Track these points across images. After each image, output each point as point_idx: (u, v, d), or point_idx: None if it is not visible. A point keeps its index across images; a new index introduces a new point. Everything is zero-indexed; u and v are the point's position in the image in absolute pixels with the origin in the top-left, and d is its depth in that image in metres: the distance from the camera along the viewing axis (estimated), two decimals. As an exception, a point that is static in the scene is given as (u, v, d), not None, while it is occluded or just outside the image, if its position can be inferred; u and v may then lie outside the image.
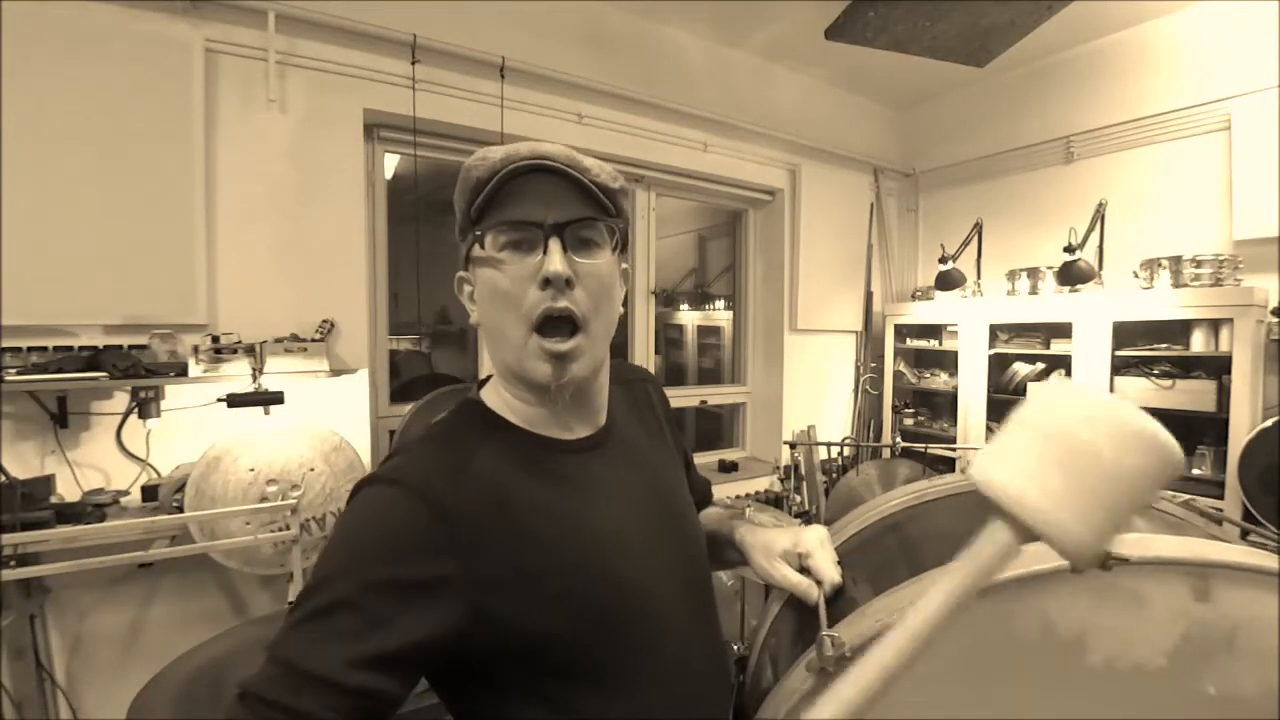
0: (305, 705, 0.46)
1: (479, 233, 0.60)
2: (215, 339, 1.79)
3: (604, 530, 0.61)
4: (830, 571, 0.64)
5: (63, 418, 1.67)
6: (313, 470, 1.81)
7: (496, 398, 0.66)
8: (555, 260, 0.57)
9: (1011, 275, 3.04)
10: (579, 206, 0.60)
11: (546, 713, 0.56)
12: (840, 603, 0.61)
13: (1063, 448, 0.38)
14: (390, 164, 2.38)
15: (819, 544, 0.68)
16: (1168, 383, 2.43)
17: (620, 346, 3.17)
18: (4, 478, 1.55)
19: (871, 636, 0.49)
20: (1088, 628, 0.47)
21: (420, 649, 0.51)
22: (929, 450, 2.71)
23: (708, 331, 4.03)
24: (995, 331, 3.05)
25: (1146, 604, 0.46)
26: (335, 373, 1.98)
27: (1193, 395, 2.38)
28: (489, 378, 0.70)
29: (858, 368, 3.65)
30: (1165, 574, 0.46)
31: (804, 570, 0.67)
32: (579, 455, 0.65)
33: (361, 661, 0.47)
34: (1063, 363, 2.78)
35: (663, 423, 0.81)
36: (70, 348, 1.64)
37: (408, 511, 0.53)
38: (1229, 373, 2.26)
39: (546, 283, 0.57)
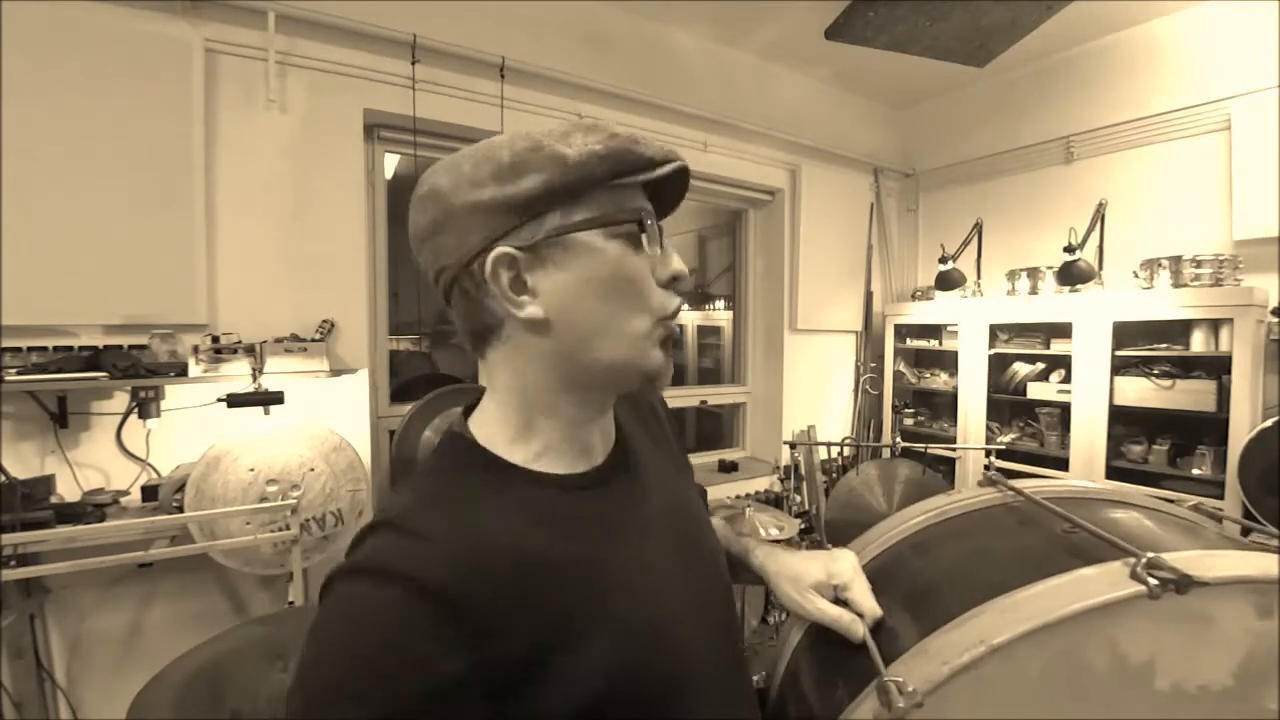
0: None
1: (580, 217, 0.51)
2: (215, 339, 1.79)
3: (634, 574, 0.54)
4: (871, 604, 0.60)
5: (63, 418, 1.67)
6: (313, 470, 1.81)
7: (498, 430, 0.56)
8: (678, 258, 0.54)
9: (1011, 275, 3.04)
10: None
11: None
12: (880, 635, 0.57)
13: None
14: (390, 164, 2.38)
15: (854, 573, 0.63)
16: (1168, 383, 2.43)
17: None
18: (4, 478, 1.55)
19: (940, 681, 0.46)
20: (1156, 652, 0.46)
21: None
22: (929, 450, 2.71)
23: (708, 331, 4.03)
24: (995, 331, 3.05)
25: (1215, 624, 0.46)
26: (335, 373, 1.98)
27: (1193, 395, 2.38)
28: (474, 404, 0.59)
29: (858, 368, 3.65)
30: (1232, 593, 0.46)
31: (840, 602, 0.62)
32: (595, 491, 0.57)
33: None
34: (1063, 363, 2.78)
35: (667, 431, 0.75)
36: (70, 348, 1.64)
37: (404, 613, 0.43)
38: (1229, 373, 2.26)
39: (672, 280, 0.55)
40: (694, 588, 0.59)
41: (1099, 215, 2.79)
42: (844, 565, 0.64)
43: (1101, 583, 0.47)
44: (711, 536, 0.70)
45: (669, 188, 0.56)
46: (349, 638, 0.43)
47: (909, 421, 3.52)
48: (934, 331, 3.42)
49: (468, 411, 0.60)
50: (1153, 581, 0.45)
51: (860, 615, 0.60)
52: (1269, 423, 2.13)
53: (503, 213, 0.50)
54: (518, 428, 0.55)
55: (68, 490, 1.68)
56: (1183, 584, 0.44)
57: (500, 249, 0.50)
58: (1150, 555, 0.46)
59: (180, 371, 1.71)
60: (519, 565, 0.48)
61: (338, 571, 0.47)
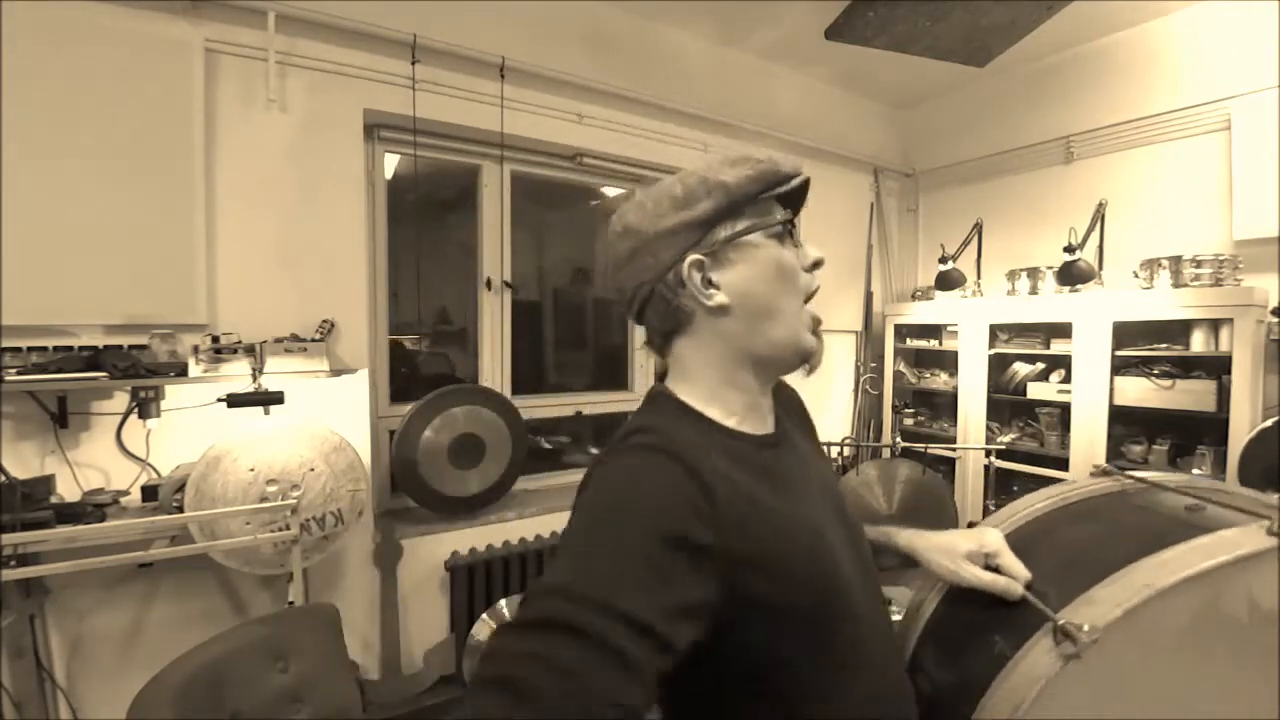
0: (630, 649, 0.44)
1: (743, 225, 0.67)
2: (215, 339, 1.79)
3: (813, 524, 0.64)
4: (1022, 569, 0.69)
5: (63, 418, 1.67)
6: (313, 470, 1.81)
7: (698, 393, 0.67)
8: (813, 248, 0.72)
9: (1011, 275, 3.04)
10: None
11: (771, 707, 0.59)
12: (1023, 601, 0.66)
13: None
14: (390, 164, 2.38)
15: (1002, 543, 0.72)
16: (1168, 383, 2.43)
17: (622, 347, 3.17)
18: (4, 478, 1.55)
19: (1113, 621, 0.54)
20: None
21: (702, 610, 0.52)
22: (929, 450, 2.71)
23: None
24: (995, 331, 3.05)
25: None
26: (335, 373, 1.98)
27: (1193, 395, 2.38)
28: (664, 375, 0.72)
29: (858, 368, 3.65)
30: None
31: (993, 569, 0.71)
32: (772, 450, 0.68)
33: (669, 611, 0.48)
34: (1063, 363, 2.78)
35: (813, 425, 0.86)
36: (70, 348, 1.63)
37: (681, 478, 0.55)
38: (1229, 373, 2.26)
39: (815, 266, 0.72)
40: (853, 556, 0.68)
41: (1099, 215, 2.79)
42: (993, 537, 0.74)
43: (1242, 540, 0.56)
44: (858, 521, 0.78)
45: (797, 193, 0.73)
46: (637, 483, 0.55)
47: (909, 421, 3.52)
48: (934, 331, 3.42)
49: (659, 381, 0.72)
50: None
51: (1015, 579, 0.68)
52: (1269, 423, 2.13)
53: (687, 231, 0.65)
54: (709, 399, 0.67)
55: (68, 490, 1.68)
56: None
57: (692, 256, 0.65)
58: None
59: (180, 371, 1.70)
60: (740, 492, 0.58)
61: (607, 451, 0.61)
